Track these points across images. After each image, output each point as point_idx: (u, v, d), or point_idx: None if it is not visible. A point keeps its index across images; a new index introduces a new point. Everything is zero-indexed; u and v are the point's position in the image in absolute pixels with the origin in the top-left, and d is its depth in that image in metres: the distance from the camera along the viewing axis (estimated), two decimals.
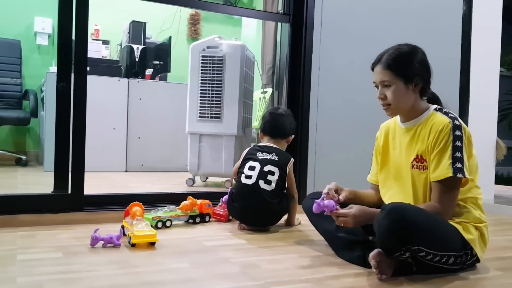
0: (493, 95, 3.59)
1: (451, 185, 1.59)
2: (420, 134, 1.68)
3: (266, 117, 2.44)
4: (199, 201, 2.36)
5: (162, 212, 2.26)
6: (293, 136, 2.46)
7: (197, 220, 2.34)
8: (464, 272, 1.63)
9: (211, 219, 2.41)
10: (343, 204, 1.73)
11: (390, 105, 1.70)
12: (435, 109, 1.70)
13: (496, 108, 3.64)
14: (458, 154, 1.58)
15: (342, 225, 1.66)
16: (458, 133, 1.60)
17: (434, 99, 1.77)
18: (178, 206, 2.32)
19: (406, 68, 1.66)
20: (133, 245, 1.82)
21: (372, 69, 1.74)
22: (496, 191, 3.70)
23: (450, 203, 1.60)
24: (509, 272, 1.69)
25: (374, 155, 1.95)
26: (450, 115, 1.65)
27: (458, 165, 1.57)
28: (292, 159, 2.34)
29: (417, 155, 1.68)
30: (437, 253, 1.50)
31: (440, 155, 1.60)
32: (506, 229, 2.62)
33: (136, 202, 2.11)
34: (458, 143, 1.59)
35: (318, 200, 1.70)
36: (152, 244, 1.85)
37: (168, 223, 2.23)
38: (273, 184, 2.22)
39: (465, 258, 1.60)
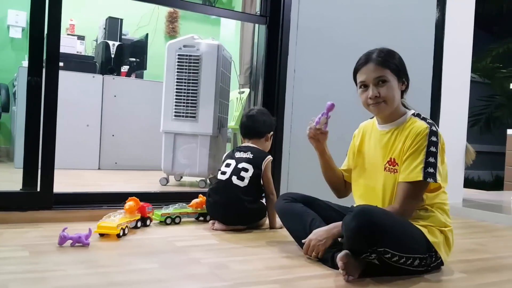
0: (464, 101, 3.68)
1: (417, 189, 1.63)
2: (396, 138, 1.71)
3: (242, 119, 2.48)
4: None
5: (172, 209, 2.32)
6: (271, 133, 2.47)
7: (208, 218, 2.39)
8: (429, 274, 1.67)
9: None
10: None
11: (383, 102, 1.69)
12: (413, 114, 1.74)
13: (466, 114, 3.73)
14: (431, 159, 1.61)
15: (315, 254, 1.72)
16: (434, 139, 1.63)
17: (403, 104, 1.81)
18: (189, 203, 2.39)
19: (397, 66, 1.71)
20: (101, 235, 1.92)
21: (357, 71, 1.74)
22: (465, 194, 3.79)
23: (411, 206, 1.64)
24: (472, 274, 1.74)
25: (349, 151, 1.98)
26: (428, 121, 1.69)
27: (430, 170, 1.60)
28: (269, 157, 2.34)
29: (390, 158, 1.71)
30: (402, 255, 1.53)
31: (412, 158, 1.63)
32: (473, 232, 2.68)
33: (133, 197, 2.14)
34: (432, 149, 1.62)
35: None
36: (119, 236, 1.92)
37: (177, 220, 2.30)
38: (246, 181, 2.23)
39: (429, 261, 1.63)
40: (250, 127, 2.43)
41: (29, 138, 2.21)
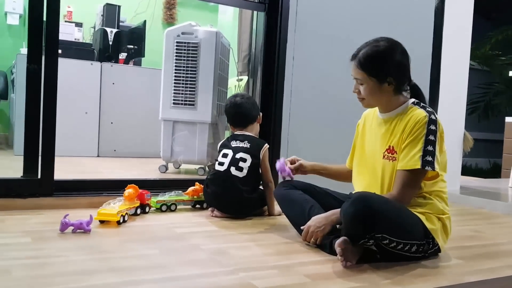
0: (463, 88, 3.69)
1: (415, 177, 1.64)
2: (395, 127, 1.72)
3: (229, 111, 2.45)
4: None
5: (168, 196, 2.33)
6: (260, 114, 2.48)
7: (205, 205, 2.40)
8: (427, 260, 1.69)
9: None
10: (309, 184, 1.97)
11: (364, 99, 1.74)
12: (413, 103, 1.74)
13: (464, 101, 3.74)
14: (430, 148, 1.62)
15: (313, 240, 1.74)
16: (432, 127, 1.64)
17: (415, 91, 1.80)
18: (185, 191, 2.39)
19: (378, 69, 1.69)
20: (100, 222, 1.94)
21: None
22: (462, 182, 3.82)
23: (409, 194, 1.66)
24: (469, 261, 1.76)
25: (354, 141, 2.00)
26: (427, 109, 1.69)
27: (429, 158, 1.61)
28: (266, 145, 2.35)
29: (389, 146, 1.72)
30: (400, 241, 1.55)
31: (411, 146, 1.64)
32: (470, 219, 2.71)
33: (132, 184, 2.15)
34: (431, 137, 1.63)
35: (282, 161, 2.04)
36: (119, 223, 1.94)
37: (172, 207, 2.32)
38: (245, 171, 2.24)
39: (427, 247, 1.66)
40: (242, 115, 2.41)
41: (29, 126, 2.22)
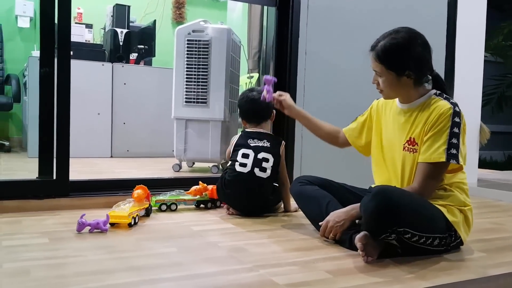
0: (478, 80, 3.63)
1: (438, 170, 1.61)
2: (417, 118, 1.68)
3: (243, 106, 2.37)
4: (210, 187, 2.35)
5: (169, 195, 2.27)
6: (274, 112, 2.39)
7: (209, 205, 2.35)
8: (449, 254, 1.66)
9: (221, 205, 2.39)
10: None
11: (383, 91, 1.72)
12: (435, 94, 1.70)
13: (480, 93, 3.68)
14: (454, 141, 1.58)
15: (332, 235, 1.71)
16: (457, 119, 1.60)
17: (437, 82, 1.75)
18: (188, 190, 2.34)
19: (397, 62, 1.65)
20: (111, 224, 1.89)
21: None
22: (479, 174, 3.77)
23: (431, 187, 1.62)
24: (492, 253, 1.73)
25: (363, 117, 1.95)
26: (451, 100, 1.65)
27: (453, 151, 1.58)
28: (283, 141, 2.32)
29: (410, 138, 1.69)
30: (422, 234, 1.52)
31: (434, 138, 1.61)
32: (489, 211, 2.67)
33: (141, 185, 2.12)
34: (456, 130, 1.59)
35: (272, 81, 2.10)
36: (130, 225, 1.89)
37: (173, 207, 2.25)
38: (268, 171, 2.20)
39: (449, 240, 1.63)
40: (257, 111, 2.33)
41: (43, 127, 2.22)
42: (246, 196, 2.19)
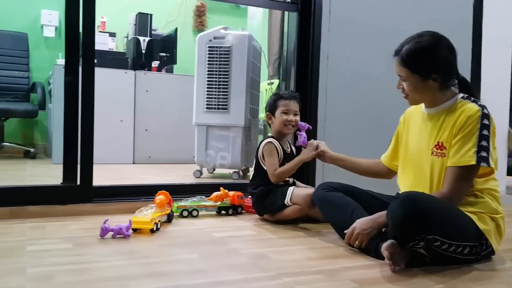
0: (505, 84, 3.53)
1: (468, 173, 1.56)
2: (444, 122, 1.64)
3: (286, 97, 2.28)
4: (231, 193, 2.35)
5: (190, 201, 2.27)
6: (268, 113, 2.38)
7: (230, 211, 2.34)
8: (479, 263, 1.60)
9: (242, 211, 2.39)
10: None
11: (408, 95, 1.68)
12: (462, 97, 1.66)
13: (508, 97, 3.58)
14: (484, 143, 1.54)
15: (358, 243, 1.67)
16: (486, 122, 1.56)
17: (463, 85, 1.71)
18: (209, 196, 2.34)
19: (422, 66, 1.62)
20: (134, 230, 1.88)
21: None
22: (508, 181, 3.66)
23: (461, 192, 1.58)
24: None
25: (394, 137, 1.93)
26: (479, 103, 1.62)
27: (483, 154, 1.53)
28: (263, 141, 2.27)
29: (438, 142, 1.65)
30: (452, 242, 1.47)
31: (463, 141, 1.56)
32: None
33: (163, 191, 2.12)
34: (485, 132, 1.55)
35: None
36: (152, 231, 1.88)
37: (194, 213, 2.25)
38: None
39: (480, 249, 1.57)
40: None
41: (68, 134, 2.24)
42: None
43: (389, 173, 1.97)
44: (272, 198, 2.19)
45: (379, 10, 2.93)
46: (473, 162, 1.53)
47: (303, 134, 2.21)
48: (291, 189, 2.16)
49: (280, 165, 2.22)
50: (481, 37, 3.28)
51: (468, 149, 1.55)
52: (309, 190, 2.13)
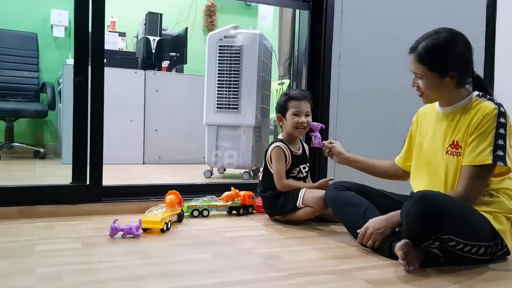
0: None
1: (484, 173, 1.53)
2: (459, 120, 1.61)
3: (297, 98, 2.22)
4: (242, 193, 2.34)
5: (200, 201, 2.26)
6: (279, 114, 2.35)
7: (241, 211, 2.32)
8: (494, 263, 1.57)
9: (253, 211, 2.38)
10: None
11: (424, 94, 1.65)
12: (478, 95, 1.63)
13: None
14: (500, 142, 1.51)
15: (371, 243, 1.64)
16: (502, 120, 1.53)
17: (478, 83, 1.68)
18: (219, 196, 2.32)
19: (440, 63, 1.59)
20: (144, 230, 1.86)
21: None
22: None
23: (476, 191, 1.55)
24: None
25: (408, 138, 1.91)
26: (495, 101, 1.58)
27: (500, 152, 1.50)
28: (271, 146, 2.24)
29: (453, 141, 1.61)
30: (468, 242, 1.44)
31: (479, 139, 1.53)
32: None
33: (173, 190, 2.10)
34: (501, 131, 1.52)
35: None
36: (162, 230, 1.86)
37: (205, 213, 2.23)
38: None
39: (495, 249, 1.54)
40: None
41: (77, 134, 2.24)
42: None
43: (405, 175, 1.94)
44: (282, 200, 2.15)
45: (391, 8, 2.89)
46: (489, 161, 1.50)
47: (318, 135, 2.17)
48: (302, 191, 2.12)
49: (289, 169, 2.19)
50: (494, 36, 3.23)
51: (484, 148, 1.51)
52: (321, 192, 2.08)
